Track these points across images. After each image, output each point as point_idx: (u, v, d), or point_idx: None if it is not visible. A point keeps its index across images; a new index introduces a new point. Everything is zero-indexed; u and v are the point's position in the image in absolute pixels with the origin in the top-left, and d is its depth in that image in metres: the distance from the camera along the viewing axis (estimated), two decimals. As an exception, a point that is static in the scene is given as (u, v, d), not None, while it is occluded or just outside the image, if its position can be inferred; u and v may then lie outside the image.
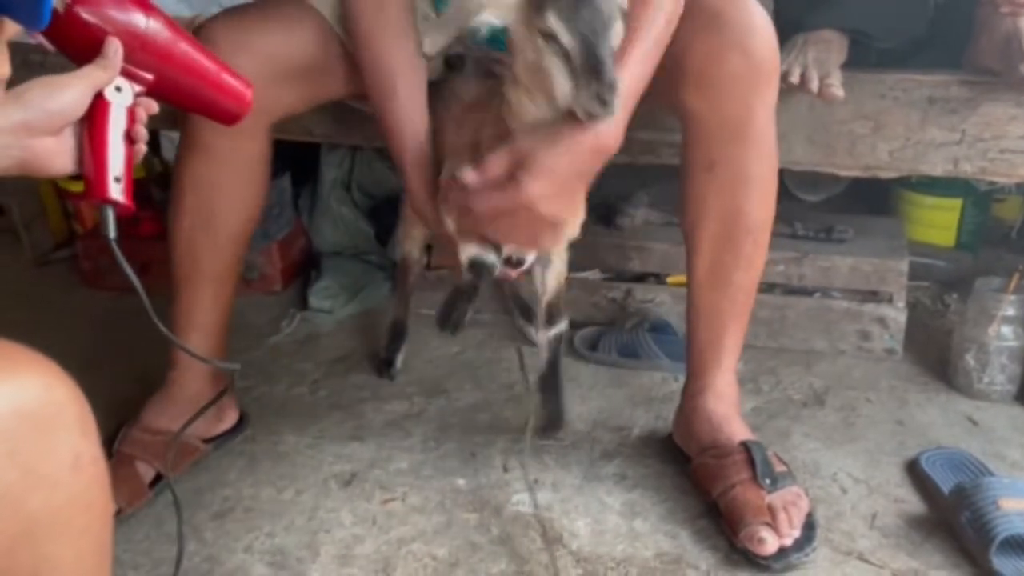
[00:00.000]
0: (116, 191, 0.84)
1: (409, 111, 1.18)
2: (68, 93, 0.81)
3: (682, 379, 1.31)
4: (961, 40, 1.40)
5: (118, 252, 0.84)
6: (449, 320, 1.53)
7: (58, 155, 0.83)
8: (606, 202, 1.70)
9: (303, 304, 1.78)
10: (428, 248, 1.71)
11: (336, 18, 1.24)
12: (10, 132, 0.78)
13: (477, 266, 1.15)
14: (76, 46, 0.83)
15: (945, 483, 1.20)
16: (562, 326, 1.28)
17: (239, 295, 1.34)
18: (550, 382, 1.31)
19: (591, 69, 0.90)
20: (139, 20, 0.84)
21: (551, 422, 1.33)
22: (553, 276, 1.25)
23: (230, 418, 1.36)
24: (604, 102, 0.90)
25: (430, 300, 1.71)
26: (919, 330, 1.61)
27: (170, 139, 2.06)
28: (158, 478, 1.24)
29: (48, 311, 1.78)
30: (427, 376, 1.54)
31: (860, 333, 1.57)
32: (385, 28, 1.18)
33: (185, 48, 0.89)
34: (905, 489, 1.24)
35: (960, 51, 1.40)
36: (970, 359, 1.43)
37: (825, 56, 1.34)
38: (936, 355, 1.54)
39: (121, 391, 1.37)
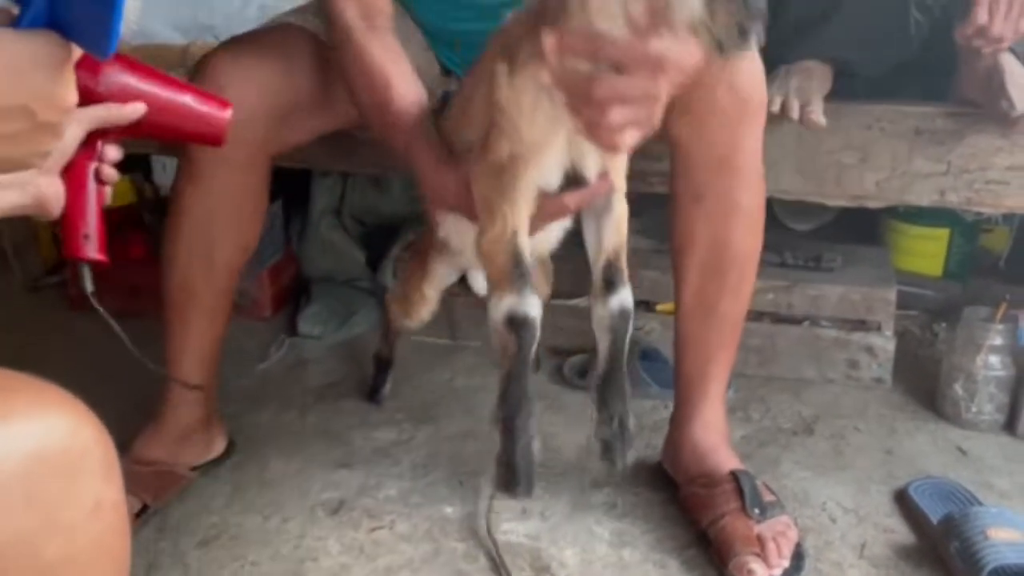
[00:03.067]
0: (89, 249, 0.83)
1: (389, 58, 1.06)
2: (72, 130, 0.76)
3: (672, 406, 1.31)
4: (951, 70, 1.42)
5: (98, 305, 0.84)
6: (379, 393, 1.52)
7: (59, 198, 0.77)
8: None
9: (292, 330, 1.77)
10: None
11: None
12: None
13: (516, 322, 0.92)
14: None
15: (934, 513, 1.20)
16: (625, 295, 0.99)
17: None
18: (613, 381, 1.01)
19: None
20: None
21: (621, 439, 1.02)
22: (612, 224, 0.99)
23: (218, 446, 1.36)
24: (744, 33, 0.72)
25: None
26: (908, 359, 1.61)
27: (162, 164, 2.07)
28: (143, 509, 1.22)
29: (39, 336, 1.77)
30: (416, 402, 1.54)
31: (849, 362, 1.58)
32: (366, 22, 1.09)
33: (152, 89, 0.84)
34: (894, 519, 1.24)
35: (949, 81, 1.42)
36: (958, 388, 1.44)
37: (807, 85, 1.36)
38: (925, 384, 1.54)
39: (110, 417, 1.34)
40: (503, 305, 0.93)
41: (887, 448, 1.40)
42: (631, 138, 0.84)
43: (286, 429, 1.46)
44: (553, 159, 0.90)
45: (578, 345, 1.65)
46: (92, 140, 0.80)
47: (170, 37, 1.74)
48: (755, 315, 1.56)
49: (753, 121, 1.14)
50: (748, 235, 1.19)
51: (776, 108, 1.32)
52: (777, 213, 1.94)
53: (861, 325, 1.58)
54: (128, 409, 1.36)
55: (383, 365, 1.54)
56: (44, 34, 0.53)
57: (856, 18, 1.40)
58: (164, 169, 2.06)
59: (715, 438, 1.23)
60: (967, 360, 1.43)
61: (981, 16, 1.22)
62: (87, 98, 0.79)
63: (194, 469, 1.31)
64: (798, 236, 2.00)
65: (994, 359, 1.42)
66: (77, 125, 0.77)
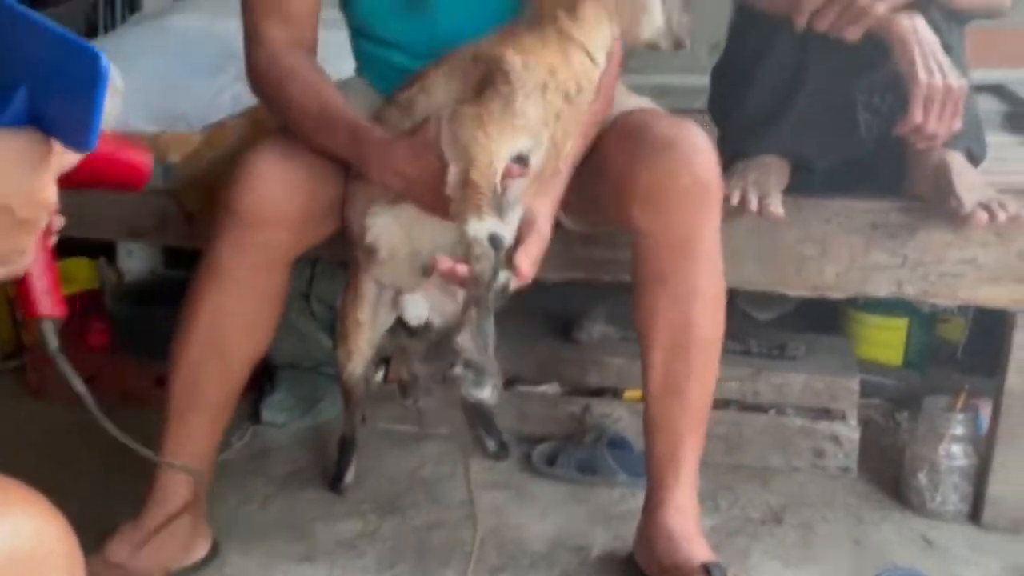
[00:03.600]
0: (49, 305, 0.81)
1: (317, 72, 1.21)
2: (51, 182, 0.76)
3: (640, 495, 1.30)
4: (903, 166, 1.47)
5: (65, 364, 0.81)
6: (341, 481, 1.50)
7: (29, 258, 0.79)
8: (564, 316, 1.72)
9: (256, 418, 1.74)
10: (386, 361, 1.71)
11: None
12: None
13: (497, 241, 1.06)
14: None
15: (904, 605, 1.19)
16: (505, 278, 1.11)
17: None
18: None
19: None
20: None
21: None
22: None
23: (200, 548, 1.29)
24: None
25: (388, 414, 1.70)
26: (872, 448, 1.62)
27: (128, 250, 2.05)
28: None
29: (-6, 423, 1.73)
30: (382, 492, 1.51)
31: (815, 451, 1.58)
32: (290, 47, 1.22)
33: None
34: (864, 611, 1.23)
35: (903, 176, 1.47)
36: (922, 478, 1.45)
37: (764, 179, 1.41)
38: (889, 473, 1.55)
39: (70, 509, 1.31)
40: (487, 224, 1.06)
41: (855, 538, 1.40)
42: None
43: (247, 521, 1.43)
44: (526, 134, 1.09)
45: (546, 432, 1.64)
46: None
47: (142, 125, 1.75)
48: (721, 403, 1.56)
49: (712, 207, 1.20)
50: (710, 318, 1.23)
51: (735, 201, 1.36)
52: (739, 302, 1.97)
53: (826, 414, 1.60)
54: (90, 499, 1.33)
55: (347, 447, 1.52)
56: (25, 132, 0.54)
57: (808, 114, 1.46)
58: (130, 255, 2.05)
59: (687, 525, 1.23)
60: (929, 450, 1.44)
61: (916, 115, 1.28)
62: None
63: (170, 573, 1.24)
64: (761, 325, 2.03)
65: (956, 448, 1.43)
66: (54, 170, 0.76)
